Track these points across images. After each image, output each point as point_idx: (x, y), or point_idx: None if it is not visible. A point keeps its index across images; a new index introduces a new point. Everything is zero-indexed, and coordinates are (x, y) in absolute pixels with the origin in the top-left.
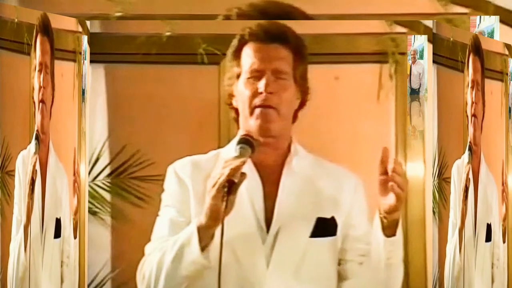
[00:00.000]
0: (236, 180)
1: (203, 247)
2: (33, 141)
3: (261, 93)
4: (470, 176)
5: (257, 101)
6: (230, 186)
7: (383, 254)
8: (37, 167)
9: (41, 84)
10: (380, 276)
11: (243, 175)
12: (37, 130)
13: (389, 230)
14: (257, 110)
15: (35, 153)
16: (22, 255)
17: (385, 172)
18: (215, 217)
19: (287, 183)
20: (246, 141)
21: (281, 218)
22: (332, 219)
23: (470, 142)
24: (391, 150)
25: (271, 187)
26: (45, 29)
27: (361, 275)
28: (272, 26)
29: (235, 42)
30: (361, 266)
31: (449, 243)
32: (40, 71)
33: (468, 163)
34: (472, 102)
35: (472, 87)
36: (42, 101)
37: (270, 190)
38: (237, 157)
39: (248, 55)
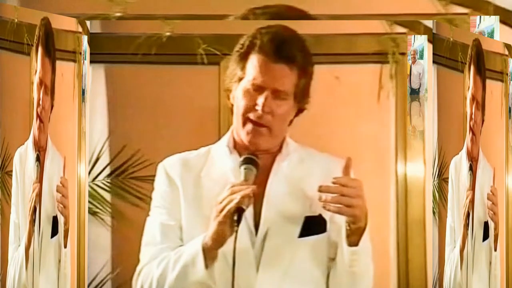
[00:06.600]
0: (245, 207)
1: (207, 267)
2: (34, 164)
3: (257, 110)
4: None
5: (251, 115)
6: (240, 214)
7: (346, 262)
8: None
9: (40, 102)
10: (343, 283)
11: (250, 198)
12: (36, 141)
13: (352, 238)
14: (250, 125)
15: (36, 180)
16: (23, 276)
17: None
18: (221, 241)
19: (275, 184)
20: (251, 161)
21: (269, 220)
22: (320, 216)
23: (470, 158)
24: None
25: (260, 188)
26: (48, 48)
27: (331, 278)
28: (284, 46)
29: (245, 42)
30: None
31: (447, 247)
32: (40, 84)
33: (469, 189)
34: (471, 118)
35: (472, 102)
36: (40, 118)
37: (258, 192)
38: (243, 180)
39: (253, 66)
